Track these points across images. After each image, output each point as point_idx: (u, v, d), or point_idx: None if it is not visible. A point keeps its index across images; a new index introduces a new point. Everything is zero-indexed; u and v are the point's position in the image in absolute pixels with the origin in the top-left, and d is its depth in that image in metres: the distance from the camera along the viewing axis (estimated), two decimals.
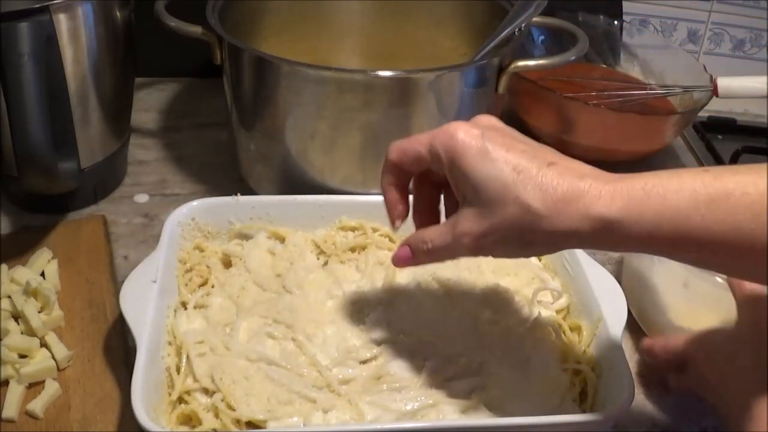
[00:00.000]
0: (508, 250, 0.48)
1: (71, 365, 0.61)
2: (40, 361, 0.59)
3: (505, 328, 0.62)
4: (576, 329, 0.62)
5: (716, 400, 0.55)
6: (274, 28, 0.89)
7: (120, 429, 0.56)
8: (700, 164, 0.98)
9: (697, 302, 0.65)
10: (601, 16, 1.04)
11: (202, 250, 0.67)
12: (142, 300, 0.57)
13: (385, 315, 0.61)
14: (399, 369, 0.57)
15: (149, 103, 1.00)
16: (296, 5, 0.90)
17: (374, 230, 0.68)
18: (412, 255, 0.52)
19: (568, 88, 0.94)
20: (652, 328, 0.69)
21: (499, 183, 0.45)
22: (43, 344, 0.61)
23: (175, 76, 1.04)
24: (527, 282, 0.66)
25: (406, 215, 0.54)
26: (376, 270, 0.66)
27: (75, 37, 0.70)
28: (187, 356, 0.57)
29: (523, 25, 0.79)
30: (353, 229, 0.69)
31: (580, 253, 0.65)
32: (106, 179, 0.82)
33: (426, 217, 0.55)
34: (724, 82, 0.90)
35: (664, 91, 0.96)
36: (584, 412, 0.56)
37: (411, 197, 0.55)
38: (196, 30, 0.76)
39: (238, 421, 0.53)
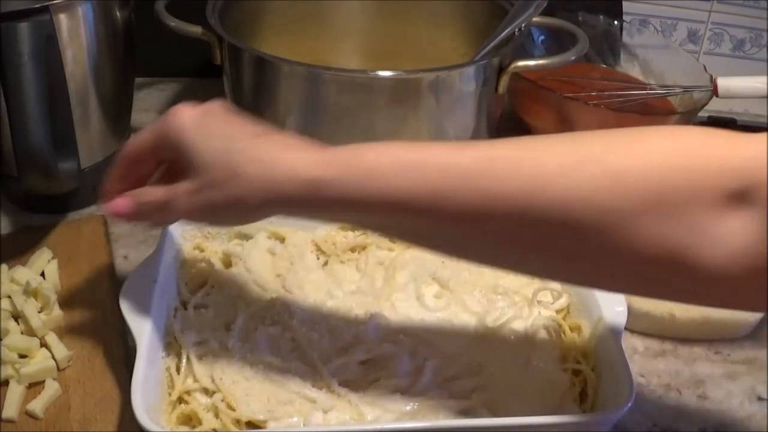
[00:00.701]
0: (223, 214, 0.49)
1: (71, 365, 0.61)
2: (40, 361, 0.59)
3: (504, 328, 0.62)
4: (576, 329, 0.62)
5: None
6: (274, 28, 0.89)
7: (120, 429, 0.56)
8: None
9: None
10: (601, 16, 1.04)
11: (202, 250, 0.67)
12: (142, 300, 0.57)
13: (385, 315, 0.61)
14: (399, 369, 0.57)
15: (149, 103, 0.99)
16: (296, 5, 0.90)
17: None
18: (134, 204, 0.52)
19: (568, 88, 0.94)
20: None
21: (211, 151, 0.48)
22: (43, 344, 0.61)
23: (175, 76, 1.04)
24: (527, 282, 0.66)
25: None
26: (376, 270, 0.66)
27: (75, 37, 0.70)
28: (187, 356, 0.57)
29: (523, 25, 0.79)
30: (353, 229, 0.69)
31: None
32: (106, 179, 0.82)
33: None
34: (724, 82, 0.90)
35: (664, 91, 0.96)
36: (584, 412, 0.56)
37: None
38: (196, 30, 0.76)
39: (238, 421, 0.53)
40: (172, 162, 0.51)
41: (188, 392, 0.55)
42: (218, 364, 0.56)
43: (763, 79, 0.88)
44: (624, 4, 1.10)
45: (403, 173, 0.44)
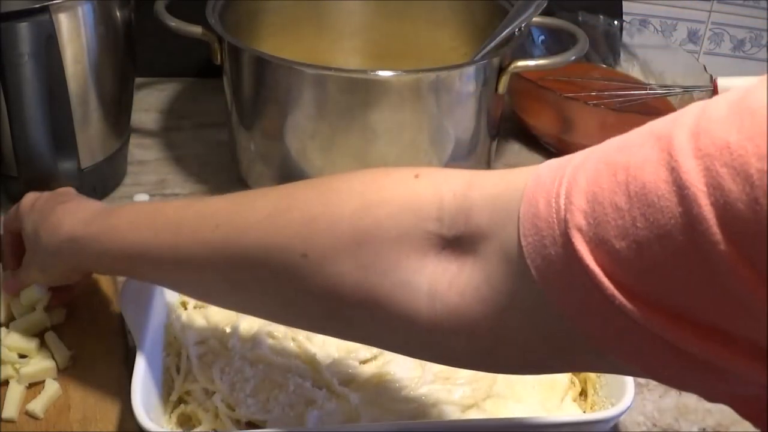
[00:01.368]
0: (46, 267, 0.59)
1: (71, 365, 0.61)
2: (40, 361, 0.59)
3: None
4: None
5: None
6: (274, 28, 0.89)
7: (120, 429, 0.56)
8: None
9: None
10: (601, 16, 1.04)
11: None
12: (142, 300, 0.57)
13: None
14: (399, 369, 0.57)
15: (149, 103, 0.99)
16: (296, 5, 0.90)
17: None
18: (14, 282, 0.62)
19: (568, 88, 0.94)
20: None
21: (30, 230, 0.59)
22: (43, 344, 0.61)
23: (175, 76, 1.04)
24: None
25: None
26: None
27: (75, 37, 0.70)
28: (187, 356, 0.57)
29: (523, 25, 0.79)
30: None
31: None
32: (106, 179, 0.82)
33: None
34: (724, 82, 0.90)
35: (664, 91, 0.96)
36: (584, 412, 0.56)
37: None
38: (196, 30, 0.76)
39: (238, 421, 0.53)
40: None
41: (188, 392, 0.55)
42: (218, 364, 0.56)
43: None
44: (624, 4, 1.10)
45: (135, 229, 0.51)
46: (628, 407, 0.53)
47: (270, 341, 0.59)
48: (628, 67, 1.04)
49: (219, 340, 0.58)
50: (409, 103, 0.73)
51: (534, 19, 0.80)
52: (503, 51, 0.77)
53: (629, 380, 0.54)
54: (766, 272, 0.26)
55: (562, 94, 0.88)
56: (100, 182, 0.81)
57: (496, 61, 0.76)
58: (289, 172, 0.77)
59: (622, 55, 1.05)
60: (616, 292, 0.30)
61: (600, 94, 0.93)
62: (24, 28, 0.63)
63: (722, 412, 0.64)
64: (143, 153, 0.90)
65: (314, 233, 0.41)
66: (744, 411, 0.33)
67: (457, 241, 0.38)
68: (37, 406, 0.56)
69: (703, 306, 0.29)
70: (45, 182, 0.68)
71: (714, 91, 0.90)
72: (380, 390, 0.56)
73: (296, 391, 0.55)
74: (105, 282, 0.68)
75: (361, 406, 0.55)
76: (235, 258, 0.44)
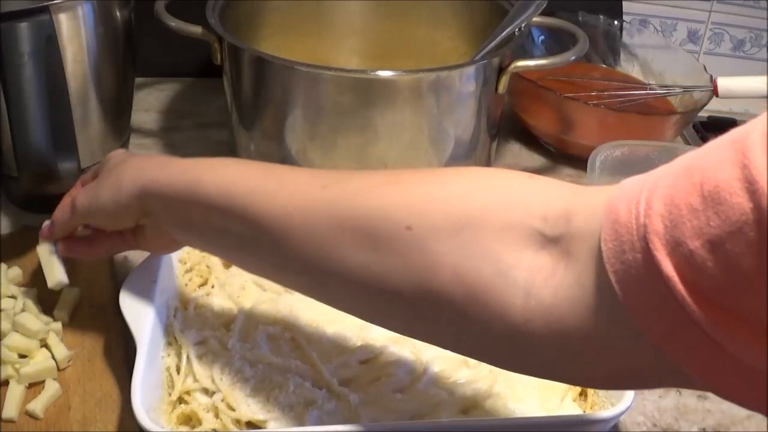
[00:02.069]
0: (105, 202, 0.55)
1: (71, 365, 0.61)
2: (40, 361, 0.59)
3: None
4: None
5: None
6: (274, 28, 0.89)
7: (120, 429, 0.56)
8: None
9: None
10: (601, 16, 1.04)
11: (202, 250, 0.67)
12: (142, 300, 0.57)
13: None
14: (399, 369, 0.57)
15: (149, 103, 0.99)
16: (296, 5, 0.90)
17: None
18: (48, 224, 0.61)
19: (568, 88, 0.94)
20: None
21: (112, 163, 0.57)
22: (43, 344, 0.61)
23: (175, 76, 1.04)
24: None
25: None
26: None
27: (75, 37, 0.70)
28: (187, 356, 0.57)
29: (523, 25, 0.79)
30: None
31: None
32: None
33: None
34: (724, 82, 0.90)
35: (664, 91, 0.96)
36: (584, 412, 0.56)
37: None
38: (196, 30, 0.76)
39: (238, 421, 0.53)
40: None
41: (188, 392, 0.55)
42: (218, 364, 0.56)
43: (763, 79, 0.88)
44: (624, 4, 1.10)
45: (240, 175, 0.49)
46: (628, 407, 0.53)
47: (270, 342, 0.59)
48: (628, 67, 1.04)
49: (219, 340, 0.58)
50: (409, 103, 0.73)
51: (534, 19, 0.80)
52: (503, 51, 0.77)
53: None
54: None
55: (562, 94, 0.88)
56: None
57: (496, 61, 0.76)
58: None
59: (622, 55, 1.05)
60: (688, 298, 0.31)
61: (600, 94, 0.93)
62: (24, 28, 0.63)
63: (722, 413, 0.64)
64: (143, 153, 0.90)
65: (422, 208, 0.41)
66: None
67: (556, 242, 0.38)
68: (37, 406, 0.56)
69: None
70: (45, 182, 0.68)
71: (714, 91, 0.90)
72: (380, 390, 0.56)
73: (296, 391, 0.55)
74: (105, 282, 0.68)
75: (361, 406, 0.55)
76: (337, 218, 0.43)
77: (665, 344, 0.33)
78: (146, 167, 0.54)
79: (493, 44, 0.78)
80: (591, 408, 0.57)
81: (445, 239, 0.40)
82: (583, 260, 0.36)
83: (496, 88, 0.77)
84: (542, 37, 1.02)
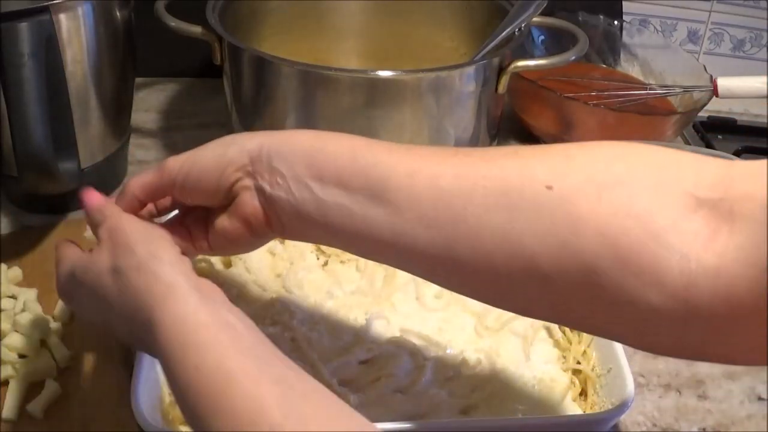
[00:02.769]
0: (205, 176, 0.49)
1: (71, 365, 0.61)
2: (40, 361, 0.59)
3: (505, 328, 0.62)
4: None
5: None
6: (274, 28, 0.89)
7: (120, 429, 0.56)
8: None
9: None
10: (601, 16, 1.04)
11: None
12: None
13: (384, 315, 0.61)
14: (399, 369, 0.57)
15: (149, 103, 1.00)
16: (296, 5, 0.90)
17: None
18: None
19: (568, 88, 0.94)
20: None
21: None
22: (43, 344, 0.61)
23: (175, 76, 1.04)
24: None
25: None
26: (376, 270, 0.66)
27: (75, 37, 0.70)
28: None
29: (523, 25, 0.79)
30: None
31: None
32: (106, 179, 0.82)
33: None
34: (724, 82, 0.90)
35: (664, 91, 0.96)
36: (584, 412, 0.56)
37: None
38: (196, 30, 0.76)
39: None
40: None
41: None
42: None
43: (763, 79, 0.88)
44: (624, 4, 1.10)
45: (368, 147, 0.46)
46: (628, 407, 0.53)
47: (269, 341, 0.59)
48: (628, 67, 1.04)
49: None
50: (409, 103, 0.73)
51: (534, 19, 0.80)
52: (503, 51, 0.77)
53: (629, 380, 0.54)
54: None
55: (562, 94, 0.89)
56: (100, 182, 0.80)
57: (496, 61, 0.76)
58: None
59: (622, 55, 1.05)
60: None
61: (600, 94, 0.93)
62: (24, 28, 0.63)
63: (722, 412, 0.64)
64: (143, 153, 0.90)
65: (563, 167, 0.39)
66: None
67: (714, 206, 0.36)
68: (37, 406, 0.56)
69: None
70: (45, 182, 0.68)
71: (714, 91, 0.90)
72: (380, 390, 0.56)
73: None
74: None
75: (361, 406, 0.55)
76: (468, 178, 0.41)
77: None
78: (258, 134, 0.48)
79: (493, 44, 0.78)
80: (591, 408, 0.57)
81: (589, 198, 0.38)
82: (755, 219, 0.35)
83: (496, 88, 0.77)
84: (542, 37, 1.02)
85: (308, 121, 0.73)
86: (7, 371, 0.58)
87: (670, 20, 1.15)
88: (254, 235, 0.49)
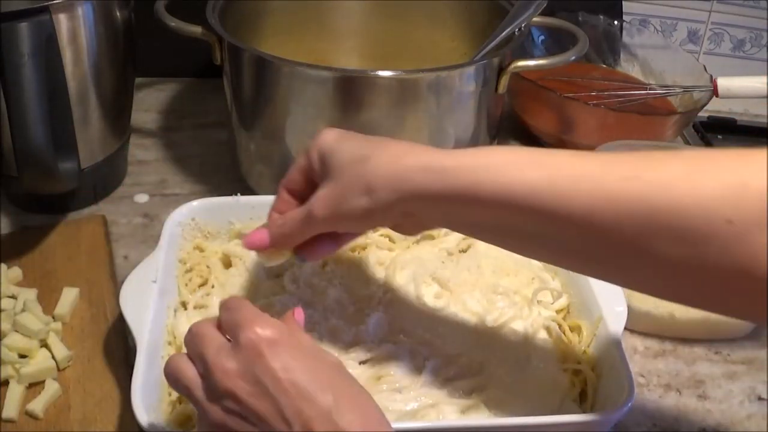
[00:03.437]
0: (355, 210, 0.49)
1: (71, 365, 0.61)
2: (40, 361, 0.59)
3: (504, 328, 0.62)
4: (576, 329, 0.62)
5: None
6: (275, 29, 0.89)
7: (120, 429, 0.56)
8: None
9: None
10: (601, 16, 1.04)
11: (202, 250, 0.67)
12: (142, 300, 0.57)
13: (385, 315, 0.61)
14: (399, 369, 0.57)
15: (149, 103, 1.00)
16: (296, 5, 0.90)
17: (374, 230, 0.68)
18: (266, 234, 0.54)
19: (568, 88, 0.94)
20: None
21: (346, 154, 0.50)
22: (43, 344, 0.61)
23: (175, 76, 1.04)
24: (527, 282, 0.66)
25: None
26: (376, 270, 0.66)
27: (75, 37, 0.70)
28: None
29: (523, 25, 0.79)
30: None
31: None
32: (106, 179, 0.82)
33: None
34: (724, 82, 0.90)
35: (664, 91, 0.96)
36: (584, 412, 0.56)
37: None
38: (196, 30, 0.76)
39: None
40: (319, 178, 0.52)
41: None
42: None
43: (763, 79, 0.88)
44: (624, 4, 1.10)
45: (518, 169, 0.44)
46: (628, 407, 0.53)
47: None
48: (628, 67, 1.04)
49: None
50: (409, 103, 0.73)
51: (534, 19, 0.80)
52: (503, 51, 0.77)
53: (629, 380, 0.54)
54: None
55: (562, 94, 0.89)
56: (100, 182, 0.81)
57: (496, 61, 0.76)
58: None
59: (622, 55, 1.05)
60: None
61: (600, 94, 0.93)
62: (24, 28, 0.63)
63: (722, 413, 0.64)
64: (143, 153, 0.90)
65: (743, 199, 0.39)
66: None
67: None
68: (37, 406, 0.56)
69: None
70: (45, 182, 0.68)
71: (714, 91, 0.90)
72: (380, 390, 0.56)
73: None
74: (105, 282, 0.68)
75: None
76: (643, 215, 0.41)
77: None
78: (400, 169, 0.47)
79: (493, 44, 0.78)
80: (591, 408, 0.57)
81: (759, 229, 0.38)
82: None
83: (496, 88, 0.77)
84: (542, 37, 1.02)
85: (308, 121, 0.73)
86: (7, 371, 0.58)
87: (670, 20, 1.15)
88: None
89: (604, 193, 0.42)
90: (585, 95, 0.91)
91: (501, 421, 0.53)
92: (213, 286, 0.64)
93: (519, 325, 0.62)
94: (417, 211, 0.48)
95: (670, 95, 0.96)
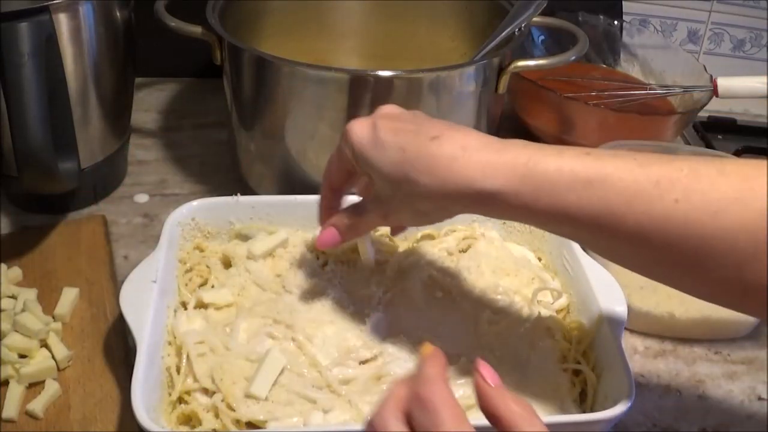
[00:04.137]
0: (409, 217, 0.53)
1: (71, 365, 0.61)
2: (40, 361, 0.59)
3: (504, 328, 0.61)
4: (576, 329, 0.62)
5: None
6: (275, 29, 0.89)
7: (120, 429, 0.56)
8: None
9: None
10: (601, 16, 1.04)
11: (202, 250, 0.67)
12: (142, 300, 0.57)
13: (385, 315, 0.61)
14: (399, 369, 0.57)
15: (149, 103, 1.00)
16: (296, 5, 0.90)
17: (374, 230, 0.68)
18: (338, 232, 0.57)
19: (568, 88, 0.94)
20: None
21: (387, 164, 0.50)
22: (43, 344, 0.61)
23: (175, 76, 1.04)
24: (527, 282, 0.66)
25: None
26: (376, 270, 0.66)
27: (75, 37, 0.70)
28: (187, 356, 0.57)
29: (523, 25, 0.79)
30: None
31: (579, 253, 0.65)
32: (106, 179, 0.82)
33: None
34: (724, 82, 0.90)
35: (664, 91, 0.96)
36: (584, 412, 0.56)
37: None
38: (196, 30, 0.76)
39: (238, 422, 0.53)
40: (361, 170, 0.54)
41: (188, 392, 0.55)
42: (218, 364, 0.56)
43: (763, 79, 0.88)
44: (624, 4, 1.10)
45: (578, 189, 0.45)
46: (628, 407, 0.53)
47: (270, 341, 0.59)
48: (628, 67, 1.04)
49: (219, 340, 0.58)
50: (409, 103, 0.73)
51: (534, 19, 0.80)
52: (503, 51, 0.77)
53: (629, 380, 0.54)
54: None
55: (562, 94, 0.89)
56: (100, 182, 0.81)
57: (496, 61, 0.76)
58: (289, 172, 0.77)
59: (622, 55, 1.05)
60: None
61: (600, 94, 0.93)
62: (24, 28, 0.63)
63: (722, 412, 0.64)
64: (143, 153, 0.90)
65: None
66: None
67: None
68: (37, 406, 0.56)
69: None
70: (45, 182, 0.68)
71: (714, 91, 0.90)
72: (380, 390, 0.56)
73: (296, 391, 0.55)
74: (105, 282, 0.68)
75: (361, 406, 0.55)
76: (693, 240, 0.42)
77: None
78: (478, 168, 0.47)
79: (493, 44, 0.78)
80: (591, 408, 0.57)
81: None
82: None
83: (496, 88, 0.77)
84: (542, 37, 1.02)
85: (308, 121, 0.73)
86: (7, 371, 0.58)
87: (670, 20, 1.15)
88: None
89: (654, 214, 0.43)
90: (585, 95, 0.91)
91: None
92: (213, 286, 0.64)
93: (519, 326, 0.62)
94: (490, 214, 0.50)
95: (670, 95, 0.96)
